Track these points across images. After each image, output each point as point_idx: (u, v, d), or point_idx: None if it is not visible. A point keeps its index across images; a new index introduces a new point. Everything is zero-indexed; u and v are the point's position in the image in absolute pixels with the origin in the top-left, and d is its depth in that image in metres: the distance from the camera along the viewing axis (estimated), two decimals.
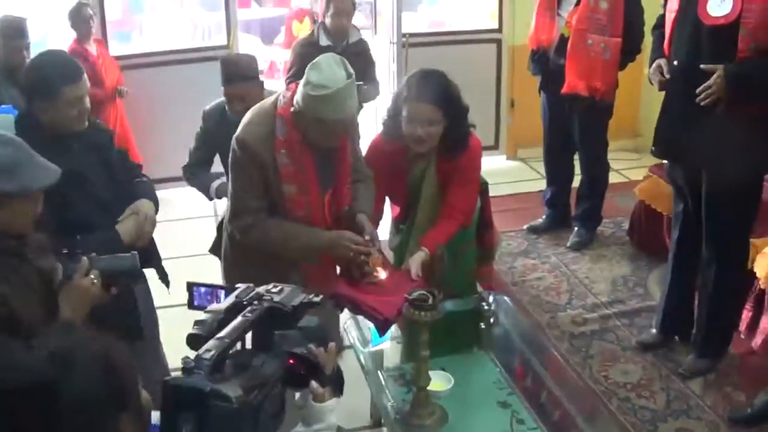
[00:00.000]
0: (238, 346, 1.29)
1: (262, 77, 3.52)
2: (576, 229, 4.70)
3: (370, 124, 4.72)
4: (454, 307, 2.71)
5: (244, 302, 1.36)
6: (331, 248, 2.57)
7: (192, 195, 3.57)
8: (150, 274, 2.69)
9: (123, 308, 2.33)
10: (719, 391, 3.26)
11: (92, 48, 4.92)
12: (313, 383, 1.47)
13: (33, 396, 1.02)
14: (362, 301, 2.50)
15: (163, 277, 2.72)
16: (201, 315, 1.32)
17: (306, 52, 4.05)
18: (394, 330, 2.73)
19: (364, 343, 2.82)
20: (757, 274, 3.33)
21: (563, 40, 4.27)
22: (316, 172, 2.53)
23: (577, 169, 4.69)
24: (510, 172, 5.95)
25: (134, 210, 2.42)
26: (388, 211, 3.09)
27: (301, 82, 2.40)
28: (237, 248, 2.69)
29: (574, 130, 4.48)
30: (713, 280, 3.22)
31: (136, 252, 2.05)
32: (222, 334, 1.24)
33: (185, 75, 5.32)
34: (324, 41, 4.37)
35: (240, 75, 3.21)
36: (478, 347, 2.88)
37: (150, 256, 2.60)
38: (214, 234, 3.18)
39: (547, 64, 4.42)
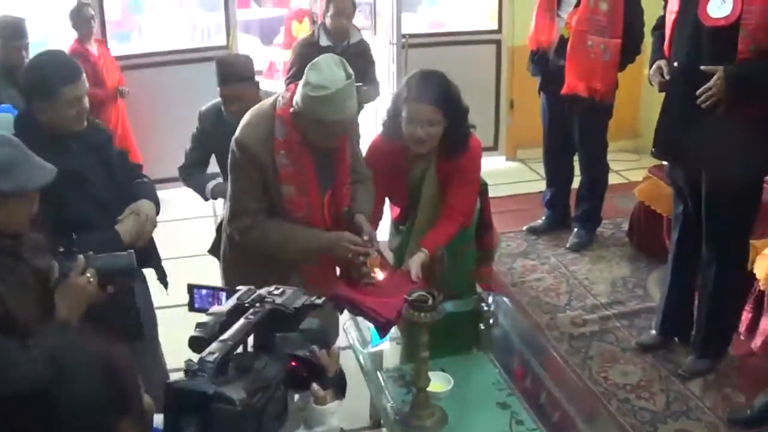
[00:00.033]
0: (240, 348, 1.28)
1: (260, 77, 3.52)
2: (575, 230, 4.70)
3: (370, 124, 4.72)
4: (453, 308, 2.71)
5: (246, 304, 1.35)
6: (330, 249, 2.57)
7: (192, 196, 3.57)
8: (149, 274, 2.69)
9: (123, 307, 2.33)
10: (719, 392, 3.26)
11: (93, 48, 4.92)
12: (314, 386, 1.47)
13: (33, 402, 1.02)
14: (362, 302, 2.50)
15: (162, 278, 2.72)
16: (202, 317, 1.31)
17: (306, 53, 4.04)
18: (393, 331, 2.72)
19: (364, 344, 2.82)
20: (757, 276, 3.33)
21: (563, 41, 4.27)
22: (315, 172, 2.53)
23: (577, 170, 4.68)
24: (509, 173, 5.95)
25: (135, 210, 2.42)
26: (388, 211, 3.09)
27: (301, 82, 2.40)
28: (236, 249, 2.69)
29: (574, 131, 4.48)
30: (713, 280, 3.22)
31: (132, 250, 2.05)
32: (225, 336, 1.24)
33: (184, 75, 5.32)
34: (324, 42, 4.37)
35: (236, 75, 3.21)
36: (478, 348, 2.87)
37: (149, 256, 2.60)
38: (213, 234, 3.18)
39: (546, 65, 4.42)
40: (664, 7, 3.15)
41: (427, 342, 2.31)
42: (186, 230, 4.81)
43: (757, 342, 3.41)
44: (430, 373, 2.40)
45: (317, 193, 2.57)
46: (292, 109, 2.42)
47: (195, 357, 1.19)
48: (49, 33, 5.46)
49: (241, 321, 1.29)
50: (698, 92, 2.88)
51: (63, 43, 4.83)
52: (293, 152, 2.47)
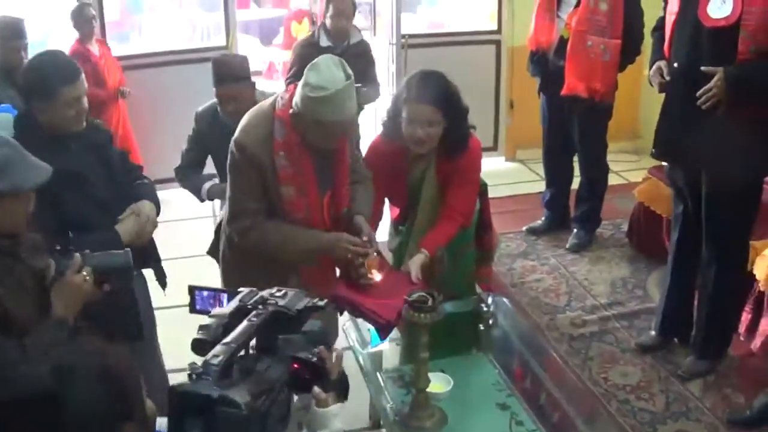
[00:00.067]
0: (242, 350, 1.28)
1: (260, 78, 3.51)
2: (575, 230, 4.70)
3: (370, 125, 4.72)
4: (453, 309, 2.71)
5: (249, 306, 1.35)
6: (329, 250, 2.57)
7: (191, 196, 3.57)
8: (149, 274, 2.68)
9: (122, 307, 2.32)
10: (718, 392, 3.26)
11: (94, 48, 4.91)
12: (316, 388, 1.47)
13: (35, 410, 1.02)
14: (362, 303, 2.50)
15: (161, 278, 2.71)
16: (204, 319, 1.31)
17: (306, 53, 4.04)
18: (393, 331, 2.72)
19: (363, 345, 2.81)
20: (757, 276, 3.33)
21: (563, 42, 4.27)
22: (314, 173, 2.53)
23: (577, 171, 4.68)
24: (509, 174, 5.95)
25: (135, 210, 2.42)
26: (388, 212, 3.09)
27: (300, 83, 2.39)
28: (235, 250, 2.69)
29: (574, 132, 4.48)
30: (713, 281, 3.22)
31: (129, 249, 2.05)
32: (228, 339, 1.23)
33: (184, 76, 5.31)
34: (324, 42, 4.36)
35: (232, 75, 3.20)
36: (478, 349, 2.87)
37: (149, 256, 2.59)
38: (212, 235, 3.18)
39: (546, 65, 4.42)
40: (664, 8, 3.15)
41: (426, 343, 2.31)
42: (185, 231, 4.80)
43: (756, 343, 3.41)
44: (430, 374, 2.40)
45: (317, 194, 2.56)
46: (291, 110, 2.42)
47: (198, 359, 1.19)
48: (49, 33, 5.45)
49: (244, 323, 1.29)
50: (698, 93, 2.89)
51: (63, 43, 4.83)
52: (293, 153, 2.47)
